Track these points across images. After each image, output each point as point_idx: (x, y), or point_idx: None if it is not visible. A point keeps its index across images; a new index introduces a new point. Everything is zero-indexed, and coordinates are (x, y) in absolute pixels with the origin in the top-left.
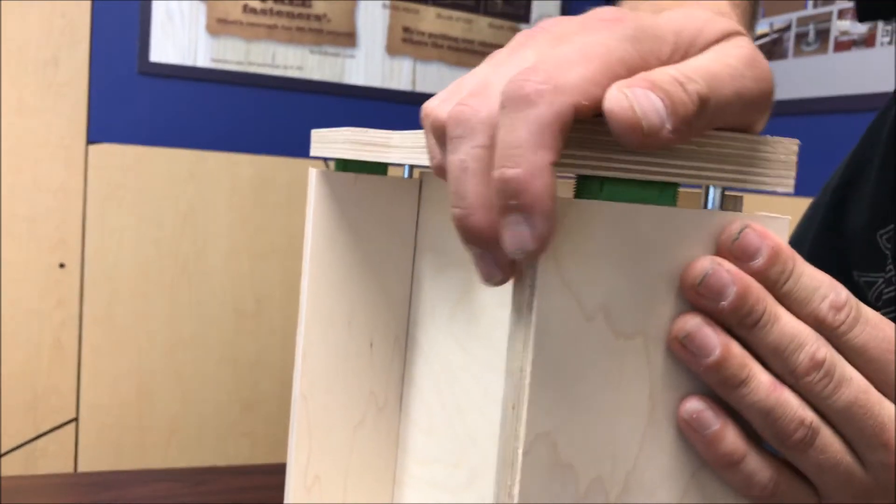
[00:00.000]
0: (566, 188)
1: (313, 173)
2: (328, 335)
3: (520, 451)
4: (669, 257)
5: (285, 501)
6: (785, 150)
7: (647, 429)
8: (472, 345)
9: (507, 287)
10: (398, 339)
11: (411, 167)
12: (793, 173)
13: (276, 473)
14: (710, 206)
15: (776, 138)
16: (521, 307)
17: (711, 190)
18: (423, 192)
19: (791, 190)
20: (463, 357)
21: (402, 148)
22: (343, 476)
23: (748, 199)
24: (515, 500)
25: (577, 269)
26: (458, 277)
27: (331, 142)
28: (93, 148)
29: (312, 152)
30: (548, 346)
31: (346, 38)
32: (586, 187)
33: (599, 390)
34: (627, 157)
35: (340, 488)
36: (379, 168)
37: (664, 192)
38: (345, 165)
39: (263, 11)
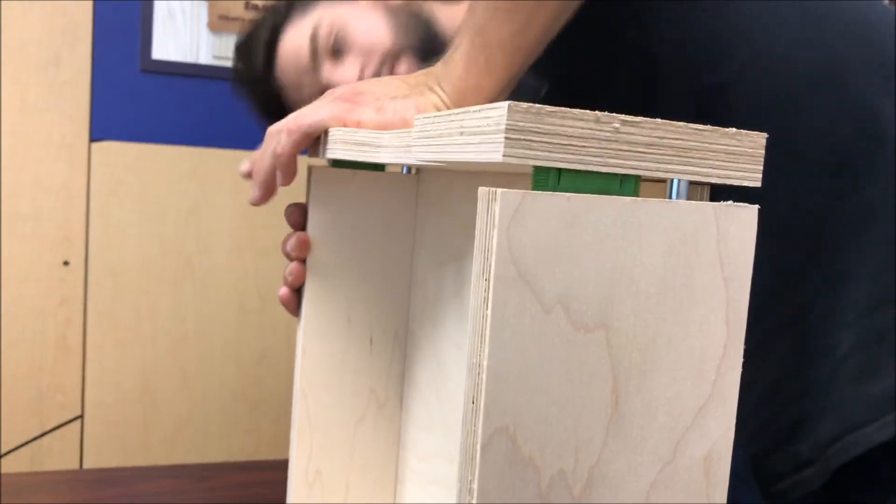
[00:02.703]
0: (525, 180)
1: (310, 170)
2: (328, 331)
3: (478, 446)
4: (631, 249)
5: (287, 496)
6: (752, 144)
7: (611, 423)
8: (464, 340)
9: None
10: (398, 336)
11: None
12: (759, 167)
13: (280, 469)
14: (674, 196)
15: (742, 131)
16: (479, 301)
17: (675, 181)
18: (421, 188)
19: (758, 184)
20: (456, 353)
21: (392, 147)
22: (345, 472)
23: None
24: (475, 497)
25: (534, 262)
26: (452, 274)
27: (322, 142)
28: (95, 146)
29: (308, 152)
30: (505, 339)
31: None
32: (543, 179)
33: (560, 384)
34: (586, 148)
35: (342, 484)
36: (377, 164)
37: (625, 184)
38: (342, 163)
39: (265, 8)
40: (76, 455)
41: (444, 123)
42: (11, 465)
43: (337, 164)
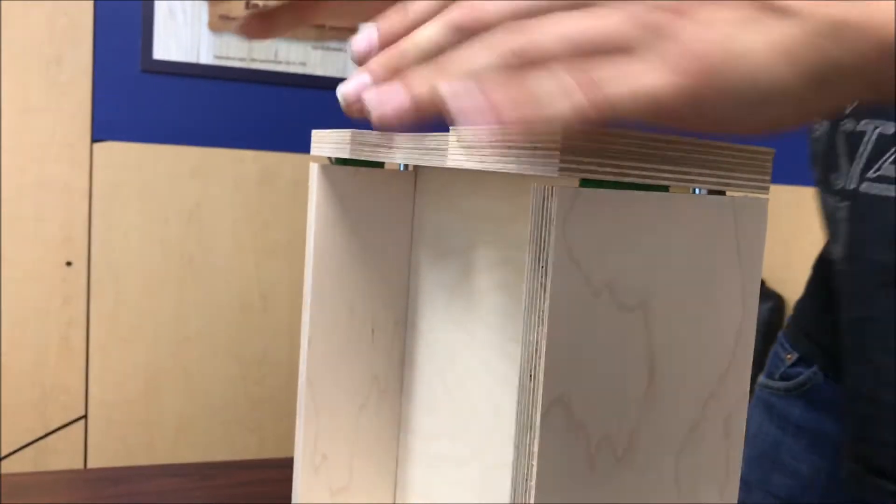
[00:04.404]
0: (572, 184)
1: (314, 168)
2: (331, 322)
3: (538, 415)
4: (665, 237)
5: (294, 480)
6: (762, 158)
7: (648, 391)
8: (473, 326)
9: (505, 272)
10: (398, 324)
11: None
12: (768, 178)
13: (282, 467)
14: None
15: (754, 147)
16: (536, 285)
17: (697, 190)
18: (419, 184)
19: (766, 194)
20: (464, 338)
21: (404, 149)
22: (349, 456)
23: None
24: (535, 459)
25: (585, 250)
26: (454, 265)
27: (333, 142)
28: (97, 146)
29: (313, 151)
30: (561, 319)
31: (349, 33)
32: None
33: (606, 358)
34: (624, 163)
35: (347, 467)
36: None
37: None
38: (344, 160)
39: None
40: (80, 455)
41: (487, 137)
42: (15, 465)
43: (338, 161)
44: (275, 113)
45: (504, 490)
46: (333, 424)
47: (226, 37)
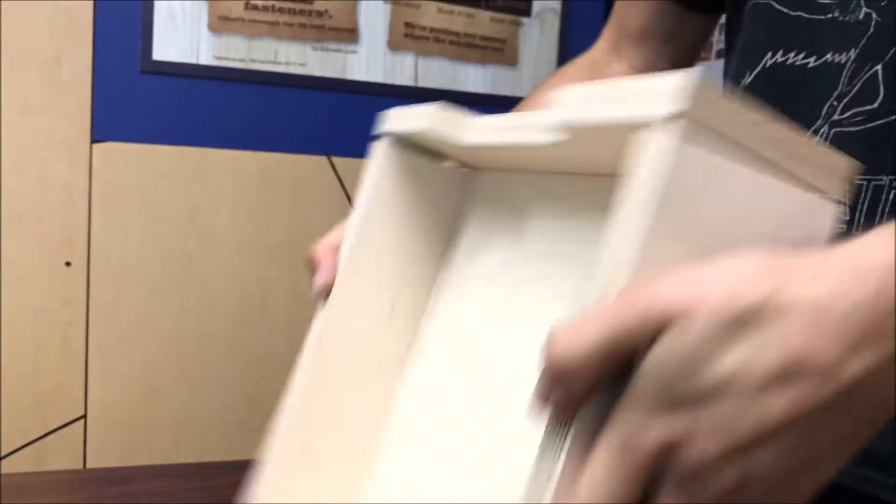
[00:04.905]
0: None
1: (379, 146)
2: (355, 297)
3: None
4: (753, 212)
5: (289, 478)
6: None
7: None
8: (508, 320)
9: (543, 265)
10: (415, 311)
11: (462, 163)
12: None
13: None
14: None
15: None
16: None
17: None
18: (471, 186)
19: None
20: (493, 331)
21: (482, 129)
22: (350, 454)
23: None
24: (561, 459)
25: (680, 204)
26: (500, 259)
27: (416, 115)
28: (97, 147)
29: (388, 128)
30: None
31: (348, 33)
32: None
33: None
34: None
35: (348, 466)
36: (437, 153)
37: None
38: (409, 144)
39: (265, 8)
40: (79, 455)
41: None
42: (15, 465)
43: (404, 143)
44: (274, 114)
45: (514, 487)
46: (334, 420)
47: (226, 37)
